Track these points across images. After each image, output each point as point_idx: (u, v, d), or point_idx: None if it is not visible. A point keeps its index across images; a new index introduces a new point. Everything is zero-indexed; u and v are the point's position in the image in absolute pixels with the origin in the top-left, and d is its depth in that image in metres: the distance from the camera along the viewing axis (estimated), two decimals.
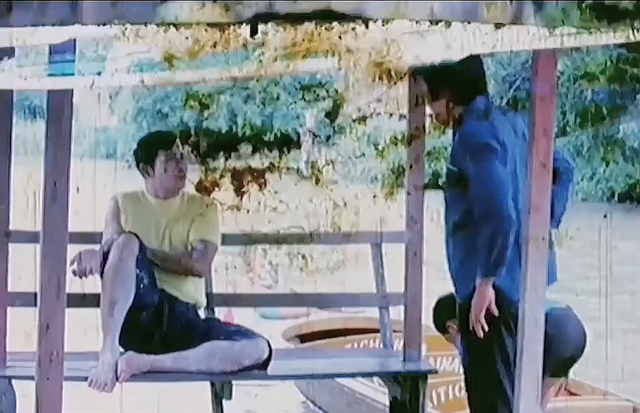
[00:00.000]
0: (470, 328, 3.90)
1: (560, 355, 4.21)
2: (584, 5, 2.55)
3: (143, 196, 4.77)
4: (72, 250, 3.72)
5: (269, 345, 4.55)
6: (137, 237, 4.47)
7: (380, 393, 5.36)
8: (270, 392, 6.66)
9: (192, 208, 4.76)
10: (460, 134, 4.03)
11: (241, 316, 6.61)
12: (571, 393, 5.65)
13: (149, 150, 4.73)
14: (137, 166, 4.80)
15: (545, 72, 3.74)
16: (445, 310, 4.53)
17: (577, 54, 34.89)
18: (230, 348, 4.45)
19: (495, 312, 3.88)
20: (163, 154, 4.67)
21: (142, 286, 4.43)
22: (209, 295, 4.87)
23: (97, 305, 4.49)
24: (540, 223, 3.73)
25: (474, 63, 4.11)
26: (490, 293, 3.88)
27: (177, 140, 4.77)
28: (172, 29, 2.59)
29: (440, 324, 4.64)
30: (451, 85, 4.03)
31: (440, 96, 4.07)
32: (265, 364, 4.52)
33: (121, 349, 4.44)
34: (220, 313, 5.15)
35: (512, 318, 3.84)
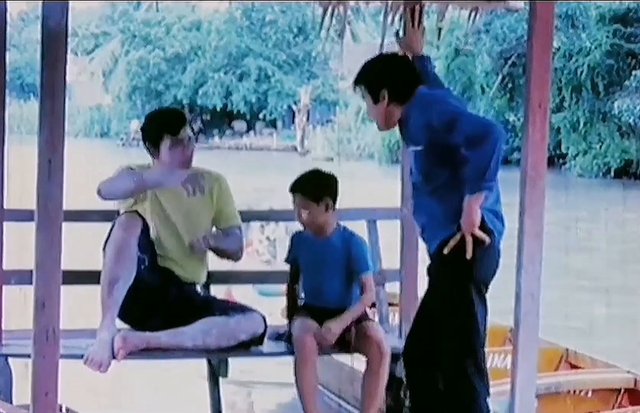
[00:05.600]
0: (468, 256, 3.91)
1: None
2: None
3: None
4: (67, 228, 3.71)
5: (265, 320, 4.55)
6: (141, 216, 4.45)
7: None
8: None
9: (207, 183, 4.69)
10: (415, 104, 4.09)
11: (239, 294, 6.61)
12: (572, 366, 5.67)
13: (155, 132, 4.60)
14: (144, 143, 4.69)
15: (541, 47, 3.73)
16: None
17: (572, 30, 34.90)
18: (225, 323, 4.45)
19: (485, 238, 3.90)
20: (169, 138, 4.58)
21: (142, 267, 4.41)
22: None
23: (93, 282, 4.49)
24: (536, 197, 3.74)
25: (403, 61, 4.30)
26: (479, 211, 3.88)
27: (186, 124, 4.63)
28: None
29: None
30: (390, 84, 4.14)
31: (381, 97, 4.16)
32: (261, 339, 4.52)
33: (124, 325, 4.44)
34: (219, 291, 5.14)
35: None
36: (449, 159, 3.96)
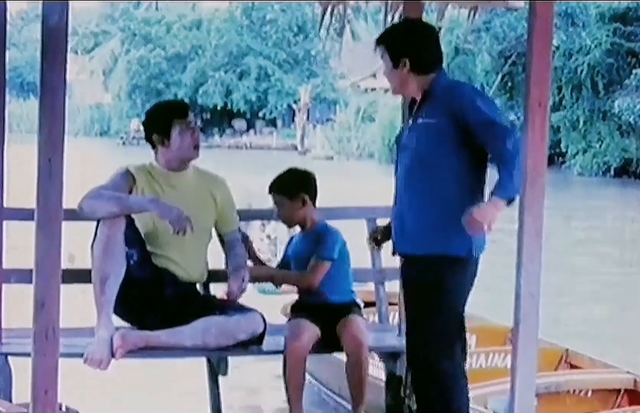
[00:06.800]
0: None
1: None
2: None
3: (152, 168, 4.70)
4: (67, 227, 3.71)
5: (264, 320, 4.55)
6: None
7: (380, 370, 5.37)
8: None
9: (208, 184, 4.75)
10: (440, 81, 4.08)
11: None
12: (572, 366, 5.67)
13: (164, 119, 4.66)
14: (148, 138, 4.72)
15: (541, 45, 3.73)
16: None
17: (572, 28, 34.88)
18: (225, 323, 4.45)
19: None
20: (179, 123, 4.63)
21: (132, 262, 4.40)
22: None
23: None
24: (536, 195, 3.73)
25: (433, 32, 4.24)
26: (499, 212, 3.91)
27: (191, 109, 4.76)
28: None
29: None
30: (413, 53, 4.08)
31: (402, 64, 4.10)
32: (260, 338, 4.53)
33: (124, 323, 4.44)
34: (217, 290, 5.14)
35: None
36: (454, 141, 3.96)
